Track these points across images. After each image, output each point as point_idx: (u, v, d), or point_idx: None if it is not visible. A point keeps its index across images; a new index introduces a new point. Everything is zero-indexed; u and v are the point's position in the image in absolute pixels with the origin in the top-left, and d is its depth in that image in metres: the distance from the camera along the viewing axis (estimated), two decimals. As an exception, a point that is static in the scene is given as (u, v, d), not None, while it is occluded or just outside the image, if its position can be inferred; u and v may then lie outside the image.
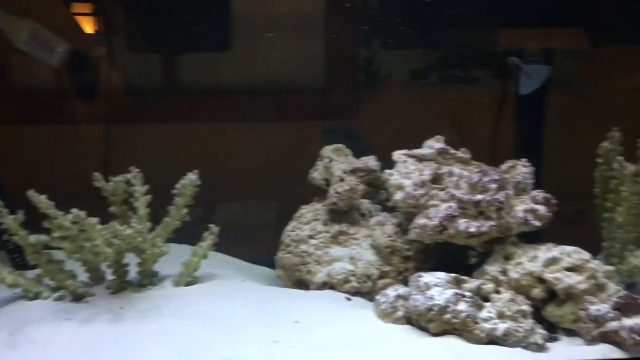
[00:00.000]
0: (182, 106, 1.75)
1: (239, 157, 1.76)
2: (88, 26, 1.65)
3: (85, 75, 1.64)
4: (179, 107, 1.75)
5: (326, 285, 1.41)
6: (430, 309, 1.19)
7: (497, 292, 1.30)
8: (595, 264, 1.26)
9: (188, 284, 1.38)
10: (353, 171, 1.48)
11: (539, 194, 1.36)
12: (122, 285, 1.35)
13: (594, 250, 1.41)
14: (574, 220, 1.55)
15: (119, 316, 1.25)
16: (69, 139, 1.64)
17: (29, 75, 1.57)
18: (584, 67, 1.73)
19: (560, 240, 1.33)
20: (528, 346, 1.18)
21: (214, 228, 1.40)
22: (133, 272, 1.38)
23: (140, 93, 1.76)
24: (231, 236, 1.54)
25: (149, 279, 1.37)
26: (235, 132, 1.75)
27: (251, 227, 1.75)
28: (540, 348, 1.18)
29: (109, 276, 1.37)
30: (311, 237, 1.47)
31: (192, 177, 1.35)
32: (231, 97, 1.75)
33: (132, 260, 1.36)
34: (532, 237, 1.39)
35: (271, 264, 1.54)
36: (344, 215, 1.50)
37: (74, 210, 1.24)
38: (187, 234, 1.42)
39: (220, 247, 1.52)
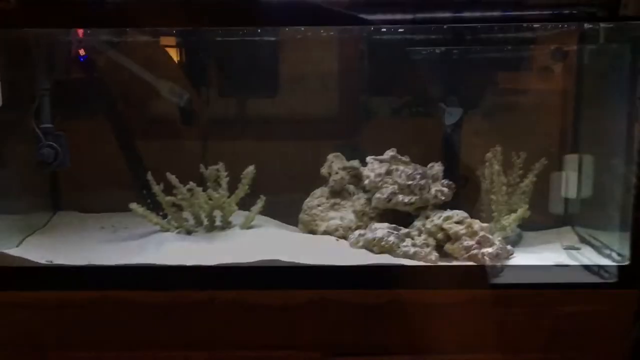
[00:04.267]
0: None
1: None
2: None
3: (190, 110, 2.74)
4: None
5: (326, 232, 2.44)
6: (374, 239, 2.21)
7: (419, 235, 2.31)
8: (471, 220, 2.24)
9: (248, 228, 2.44)
10: (344, 168, 2.51)
11: (445, 181, 2.36)
12: (212, 228, 2.43)
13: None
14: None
15: (211, 239, 2.34)
16: (181, 147, 2.78)
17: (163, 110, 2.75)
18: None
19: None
20: (427, 261, 2.18)
21: (262, 197, 2.46)
22: (218, 221, 2.46)
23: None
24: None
25: (227, 225, 2.45)
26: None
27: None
28: (433, 262, 2.18)
29: (206, 222, 2.46)
30: (318, 205, 2.51)
31: (251, 168, 2.42)
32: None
33: (218, 214, 2.46)
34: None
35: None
36: (338, 194, 2.53)
37: (190, 184, 2.35)
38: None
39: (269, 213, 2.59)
